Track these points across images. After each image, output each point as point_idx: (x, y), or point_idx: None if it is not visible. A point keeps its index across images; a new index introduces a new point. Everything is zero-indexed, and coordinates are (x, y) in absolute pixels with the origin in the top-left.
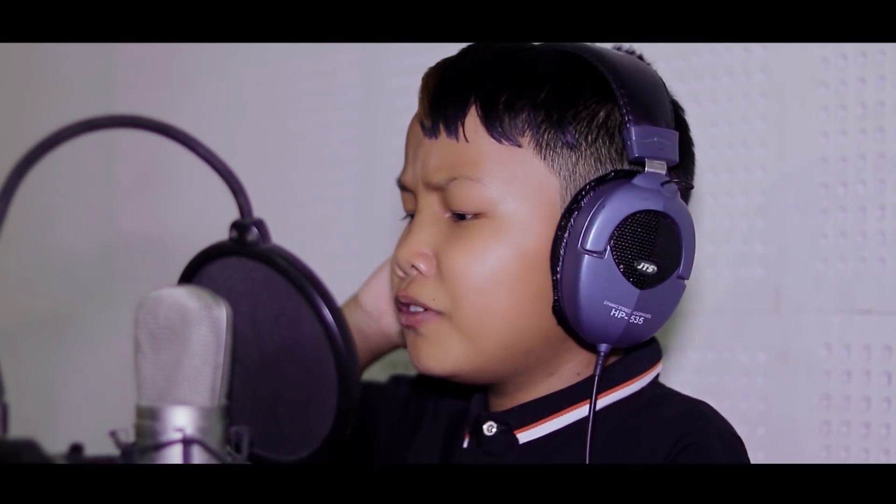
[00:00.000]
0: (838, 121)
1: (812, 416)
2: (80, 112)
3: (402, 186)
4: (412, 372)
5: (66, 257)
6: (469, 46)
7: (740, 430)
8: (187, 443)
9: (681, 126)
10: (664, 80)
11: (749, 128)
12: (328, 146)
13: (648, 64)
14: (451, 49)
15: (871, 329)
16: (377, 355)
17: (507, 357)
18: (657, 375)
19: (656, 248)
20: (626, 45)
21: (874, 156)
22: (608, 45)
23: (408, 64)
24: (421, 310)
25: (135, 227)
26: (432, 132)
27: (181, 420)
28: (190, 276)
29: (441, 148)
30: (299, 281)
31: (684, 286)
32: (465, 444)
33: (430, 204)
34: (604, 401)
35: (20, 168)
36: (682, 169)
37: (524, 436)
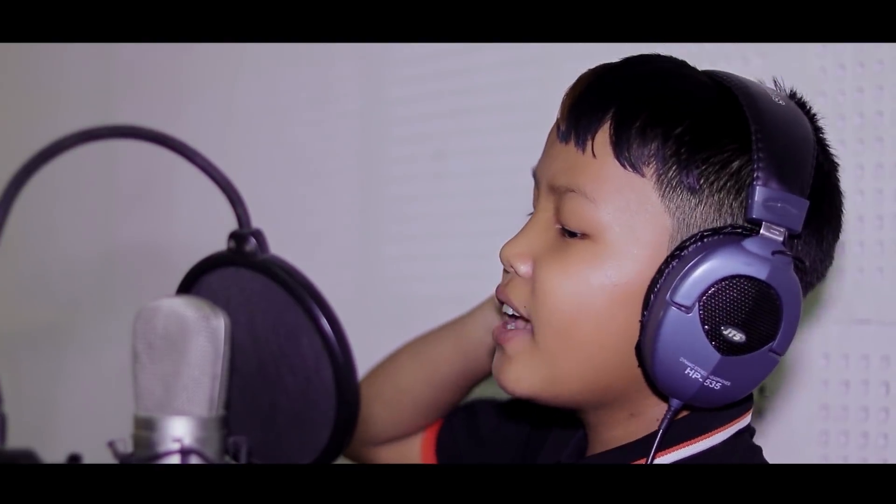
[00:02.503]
0: (836, 130)
1: (810, 425)
2: (79, 121)
3: (534, 175)
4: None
5: (65, 267)
6: (633, 57)
7: None
8: (185, 453)
9: (826, 197)
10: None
11: None
12: (327, 156)
13: (812, 116)
14: (452, 57)
15: (870, 339)
16: None
17: (585, 389)
18: (742, 429)
19: (749, 317)
20: (799, 94)
21: (872, 166)
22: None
23: (406, 74)
24: (513, 327)
25: (134, 237)
26: (565, 137)
27: (179, 430)
28: (188, 286)
29: (568, 154)
30: (297, 291)
31: (777, 360)
32: None
33: (547, 208)
34: (670, 457)
35: (19, 178)
36: (815, 242)
37: None
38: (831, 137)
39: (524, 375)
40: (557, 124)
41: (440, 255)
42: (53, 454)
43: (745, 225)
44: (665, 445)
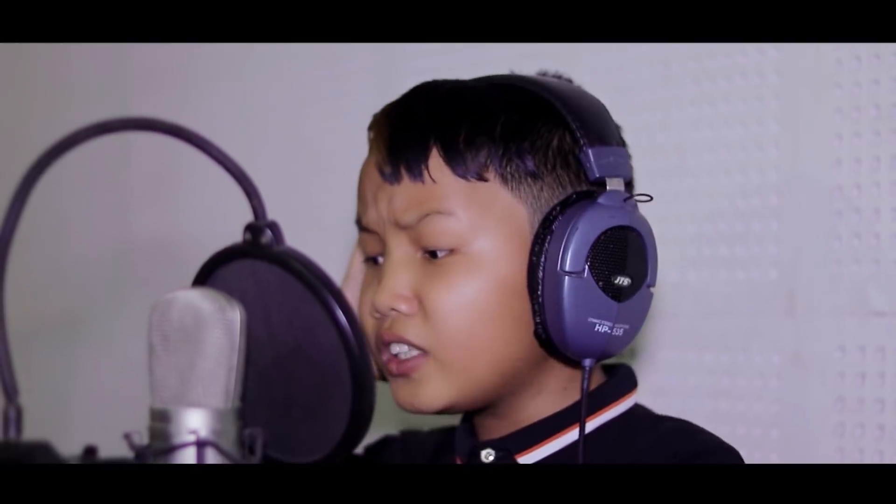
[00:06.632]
0: (852, 122)
1: (826, 418)
2: (94, 114)
3: (364, 228)
4: None
5: (80, 260)
6: (412, 88)
7: (754, 432)
8: (201, 445)
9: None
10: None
11: (763, 129)
12: (342, 149)
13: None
14: (463, 51)
15: (886, 331)
16: None
17: (499, 382)
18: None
19: (628, 262)
20: (552, 71)
21: (888, 157)
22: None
23: (422, 66)
24: (411, 354)
25: (148, 230)
26: (394, 177)
27: (195, 422)
28: (203, 278)
29: (406, 191)
30: (313, 283)
31: (652, 294)
32: None
33: (400, 244)
34: (599, 419)
35: (34, 171)
36: (631, 183)
37: (524, 459)
38: (847, 130)
39: (440, 393)
40: (379, 170)
41: None
42: (69, 446)
43: (588, 188)
44: (582, 407)
